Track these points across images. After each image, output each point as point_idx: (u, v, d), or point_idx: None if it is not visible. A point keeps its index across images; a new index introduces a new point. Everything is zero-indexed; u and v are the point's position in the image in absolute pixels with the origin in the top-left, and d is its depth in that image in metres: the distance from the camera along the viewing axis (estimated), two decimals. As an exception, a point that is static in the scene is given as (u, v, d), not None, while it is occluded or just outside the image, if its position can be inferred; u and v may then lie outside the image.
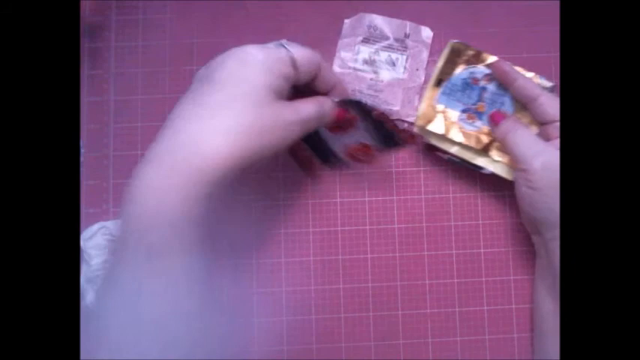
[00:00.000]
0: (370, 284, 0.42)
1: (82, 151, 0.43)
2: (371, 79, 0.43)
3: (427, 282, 0.42)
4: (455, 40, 0.41)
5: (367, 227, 0.43)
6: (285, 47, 0.33)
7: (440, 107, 0.41)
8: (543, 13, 0.40)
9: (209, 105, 0.30)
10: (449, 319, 0.42)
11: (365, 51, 0.44)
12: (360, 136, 0.38)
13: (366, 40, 0.44)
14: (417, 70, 0.44)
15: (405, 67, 0.44)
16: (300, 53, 0.33)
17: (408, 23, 0.44)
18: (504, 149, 0.39)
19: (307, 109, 0.34)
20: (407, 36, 0.44)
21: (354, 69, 0.44)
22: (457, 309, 0.42)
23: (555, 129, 0.38)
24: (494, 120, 0.40)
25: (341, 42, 0.44)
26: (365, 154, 0.39)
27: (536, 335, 0.40)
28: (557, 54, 0.44)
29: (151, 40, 0.44)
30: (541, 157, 0.36)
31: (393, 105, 0.43)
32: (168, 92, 0.44)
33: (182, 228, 0.29)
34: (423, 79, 0.43)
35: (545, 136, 0.39)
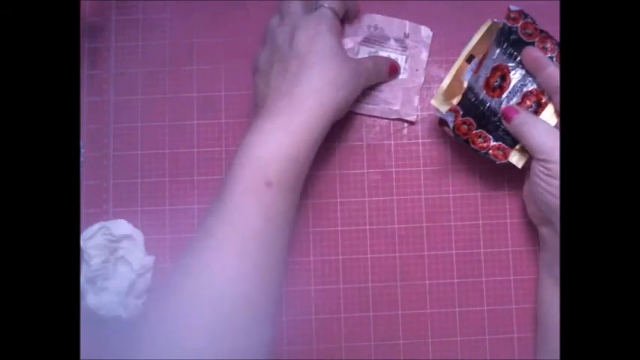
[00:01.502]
0: (370, 284, 0.42)
1: (82, 151, 0.43)
2: (371, 79, 0.43)
3: (427, 282, 0.42)
4: (495, 20, 0.40)
5: (367, 227, 0.43)
6: (326, 7, 0.39)
7: (466, 83, 0.40)
8: (543, 13, 0.40)
9: (300, 74, 0.37)
10: (449, 319, 0.42)
11: (365, 51, 0.44)
12: (521, 83, 0.39)
13: (366, 40, 0.44)
14: (417, 70, 0.44)
15: (404, 67, 0.44)
16: (335, 4, 0.40)
17: (408, 23, 0.44)
18: (521, 140, 0.39)
19: (365, 62, 0.41)
20: (407, 36, 0.44)
21: (354, 69, 0.44)
22: (457, 309, 0.42)
23: None
24: (508, 116, 0.39)
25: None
26: (537, 99, 0.40)
27: (541, 332, 0.39)
28: (557, 54, 0.44)
29: (151, 40, 0.44)
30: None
31: (393, 105, 0.43)
32: (168, 92, 0.44)
33: (293, 166, 0.36)
34: (423, 79, 0.43)
35: None
